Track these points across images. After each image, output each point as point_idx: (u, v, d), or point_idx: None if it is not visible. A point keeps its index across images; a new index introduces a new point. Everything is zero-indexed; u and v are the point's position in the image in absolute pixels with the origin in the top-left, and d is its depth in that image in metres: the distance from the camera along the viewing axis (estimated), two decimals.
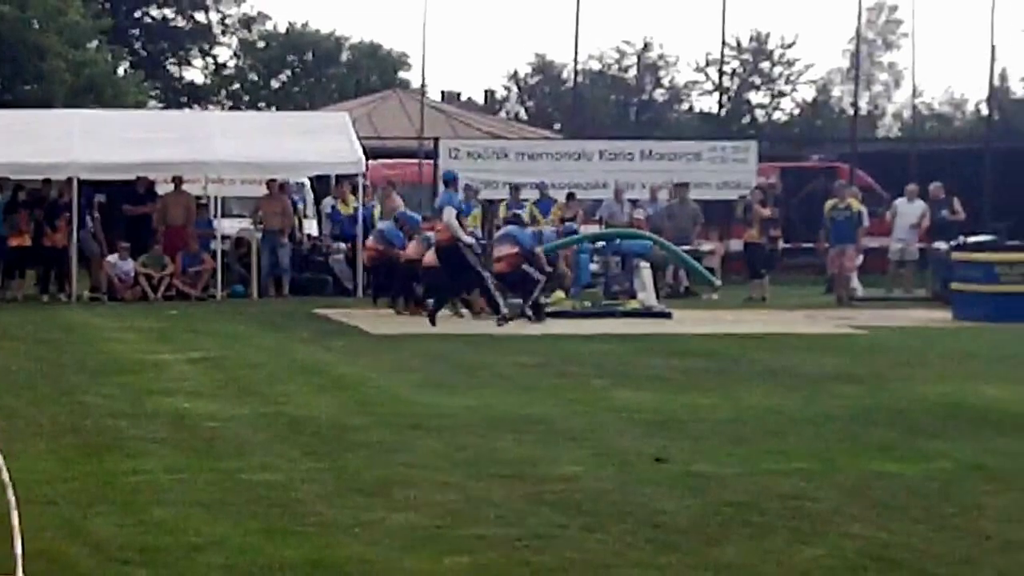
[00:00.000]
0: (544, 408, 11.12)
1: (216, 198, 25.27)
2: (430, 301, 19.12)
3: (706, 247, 26.31)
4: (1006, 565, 6.52)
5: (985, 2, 44.73)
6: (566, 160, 28.17)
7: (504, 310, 18.19)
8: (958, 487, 8.19)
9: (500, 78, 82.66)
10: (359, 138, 25.66)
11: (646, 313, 20.35)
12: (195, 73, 63.01)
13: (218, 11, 61.70)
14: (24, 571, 5.91)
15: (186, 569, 6.35)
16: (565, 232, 22.78)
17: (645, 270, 21.50)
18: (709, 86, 66.36)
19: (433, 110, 38.16)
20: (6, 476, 7.32)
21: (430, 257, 19.41)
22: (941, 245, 23.66)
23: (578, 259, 22.78)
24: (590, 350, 15.73)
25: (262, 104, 60.17)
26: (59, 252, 23.21)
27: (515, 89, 72.10)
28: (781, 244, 26.22)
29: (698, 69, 68.13)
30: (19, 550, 5.98)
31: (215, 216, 24.99)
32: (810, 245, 26.89)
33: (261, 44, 63.95)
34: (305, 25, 64.83)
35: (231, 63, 64.17)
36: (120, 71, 47.40)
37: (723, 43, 37.51)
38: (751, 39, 65.61)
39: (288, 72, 64.02)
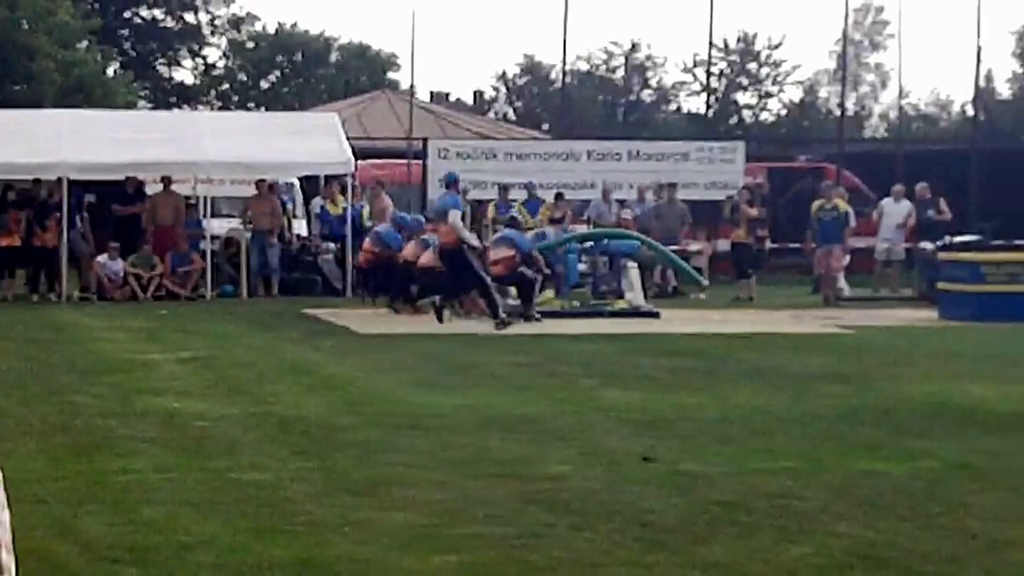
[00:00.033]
0: (533, 408, 11.13)
1: (205, 198, 25.26)
2: (433, 299, 19.21)
3: (694, 247, 26.37)
4: (992, 563, 6.54)
5: (971, 3, 44.84)
6: (554, 160, 28.21)
7: (503, 314, 18.23)
8: (944, 486, 8.21)
9: (489, 79, 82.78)
10: (348, 138, 25.66)
11: (634, 313, 20.40)
12: (184, 73, 63.04)
13: (207, 12, 61.72)
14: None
15: (176, 568, 6.35)
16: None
17: (633, 270, 21.55)
18: (697, 87, 66.54)
19: (422, 110, 38.18)
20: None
21: (426, 258, 19.54)
22: (927, 245, 23.74)
23: (567, 259, 22.80)
24: (579, 350, 15.75)
25: (251, 104, 60.16)
26: (49, 252, 23.21)
27: (503, 90, 72.16)
28: (768, 244, 26.30)
29: (686, 70, 68.32)
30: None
31: (204, 216, 24.99)
32: (797, 245, 26.97)
33: (250, 45, 63.93)
34: (294, 26, 64.85)
35: (220, 63, 64.18)
36: (110, 71, 47.36)
37: (710, 44, 37.58)
38: (738, 40, 65.78)
39: (277, 73, 64.00)
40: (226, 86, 63.59)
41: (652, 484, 8.17)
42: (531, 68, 71.11)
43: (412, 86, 39.15)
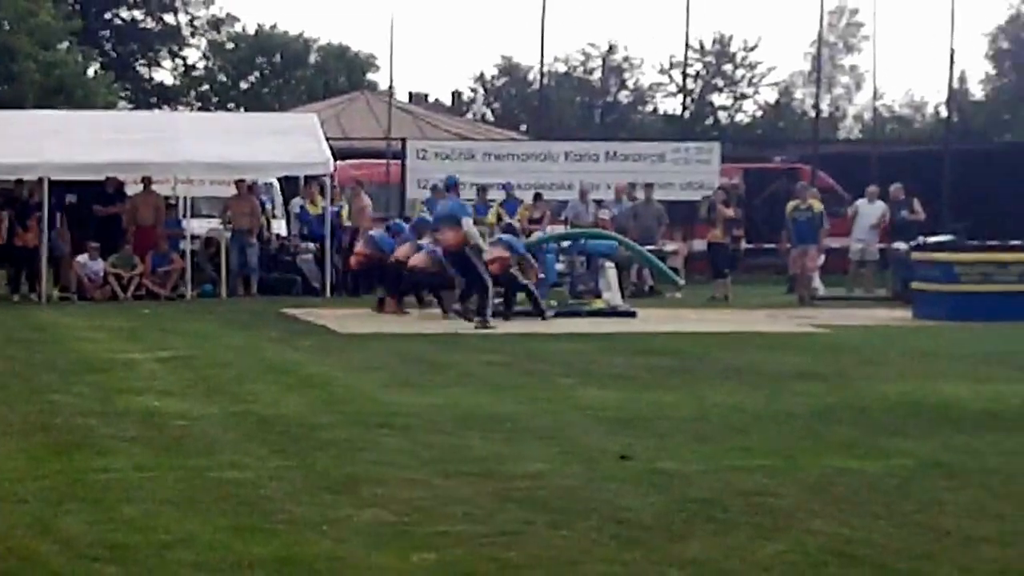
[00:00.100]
0: (511, 406, 11.15)
1: (185, 198, 25.24)
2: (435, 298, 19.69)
3: (670, 247, 26.46)
4: (965, 560, 6.57)
5: (945, 6, 45.04)
6: (532, 161, 28.28)
7: (490, 320, 18.32)
8: (918, 484, 8.25)
9: (467, 80, 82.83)
10: (327, 139, 25.67)
11: (611, 312, 20.46)
12: (164, 74, 63.04)
13: (187, 13, 61.73)
14: None
15: (156, 566, 6.35)
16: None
17: (610, 270, 21.62)
18: (673, 88, 66.73)
19: (400, 111, 38.23)
20: None
21: (416, 259, 19.66)
22: (901, 245, 23.87)
23: (544, 259, 22.88)
24: (556, 349, 15.78)
25: (231, 105, 60.15)
26: (30, 252, 23.17)
27: (482, 91, 72.20)
28: (743, 244, 26.41)
29: (662, 71, 68.71)
30: None
31: (184, 216, 24.99)
32: (772, 245, 27.10)
33: (230, 45, 63.91)
34: (274, 27, 64.87)
35: (200, 64, 64.20)
36: (90, 72, 47.33)
37: (687, 46, 37.84)
38: (714, 42, 65.99)
39: (257, 73, 63.98)
40: (206, 87, 63.57)
41: (629, 482, 8.19)
42: (509, 69, 71.20)
43: (391, 87, 39.13)
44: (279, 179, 28.07)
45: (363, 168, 29.43)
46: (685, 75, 53.77)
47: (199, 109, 58.50)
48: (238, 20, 64.90)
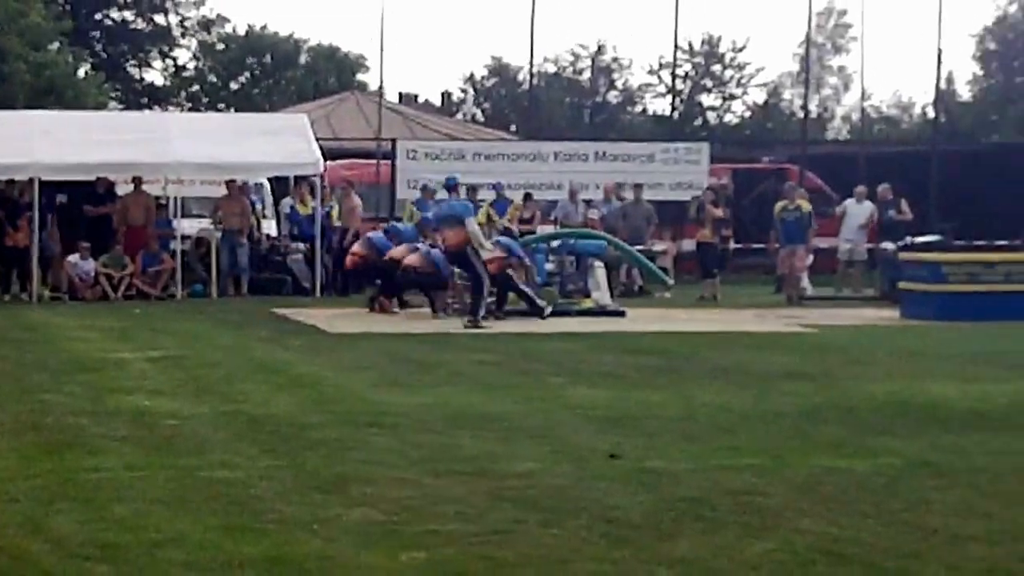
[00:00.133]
0: (501, 406, 11.17)
1: (176, 198, 25.27)
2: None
3: (659, 247, 26.52)
4: (953, 559, 6.58)
5: (932, 7, 45.16)
6: (522, 161, 28.33)
7: (481, 320, 18.38)
8: (906, 483, 8.27)
9: (457, 80, 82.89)
10: (317, 139, 25.71)
11: (600, 312, 20.51)
12: (155, 75, 63.08)
13: (177, 13, 61.74)
14: None
15: (146, 565, 6.35)
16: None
17: (599, 269, 21.67)
18: (662, 89, 66.79)
19: (391, 112, 38.21)
20: None
21: (411, 259, 19.78)
22: (889, 245, 23.94)
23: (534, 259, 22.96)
24: (546, 348, 15.80)
25: (221, 106, 60.14)
26: (21, 252, 23.20)
27: (471, 91, 72.22)
28: (732, 244, 26.47)
29: (651, 72, 68.60)
30: None
31: (175, 216, 25.01)
32: (761, 245, 27.17)
33: (220, 46, 63.92)
34: (264, 28, 64.87)
35: (191, 65, 64.21)
36: (81, 73, 47.30)
37: (675, 46, 38.03)
38: (703, 43, 66.07)
39: (247, 74, 63.97)
40: (196, 87, 63.58)
41: (618, 481, 8.21)
42: (499, 70, 71.23)
43: (381, 87, 39.08)
44: (269, 179, 28.07)
45: (353, 168, 29.45)
46: (674, 76, 53.92)
47: (189, 110, 58.52)
48: (228, 21, 64.99)
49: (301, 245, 25.06)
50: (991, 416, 10.96)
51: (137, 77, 62.04)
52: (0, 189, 23.66)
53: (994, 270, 20.68)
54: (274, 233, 26.87)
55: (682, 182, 28.19)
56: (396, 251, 20.51)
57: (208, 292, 24.00)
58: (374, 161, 29.58)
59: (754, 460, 8.90)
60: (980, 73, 59.93)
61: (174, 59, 63.01)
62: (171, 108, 59.04)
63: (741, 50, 66.41)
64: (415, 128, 38.80)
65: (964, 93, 61.74)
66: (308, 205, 25.14)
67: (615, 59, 70.53)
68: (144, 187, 24.68)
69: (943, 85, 47.70)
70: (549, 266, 22.15)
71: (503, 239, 20.16)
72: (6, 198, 23.51)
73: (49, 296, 23.32)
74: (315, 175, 24.64)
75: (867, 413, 10.99)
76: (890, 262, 23.24)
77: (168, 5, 61.10)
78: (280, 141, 24.97)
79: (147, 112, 51.38)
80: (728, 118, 66.71)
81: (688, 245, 26.79)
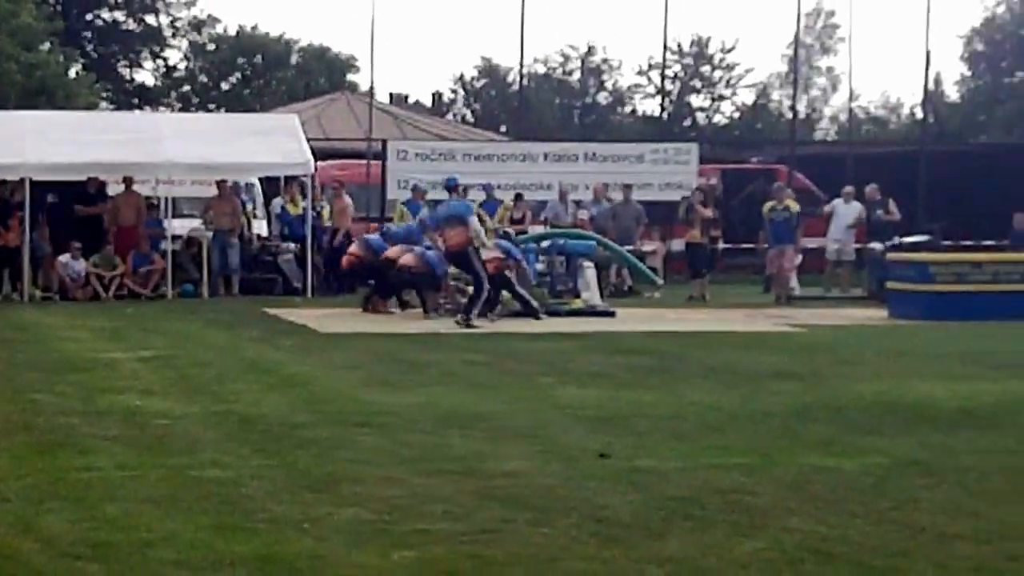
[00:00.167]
0: (491, 405, 11.19)
1: (166, 198, 25.28)
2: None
3: (648, 247, 26.56)
4: (940, 557, 6.62)
5: (920, 8, 45.20)
6: (512, 162, 28.33)
7: (475, 321, 18.43)
8: (894, 482, 8.31)
9: (447, 81, 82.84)
10: (308, 139, 25.72)
11: (590, 312, 20.55)
12: (146, 75, 63.13)
13: (168, 14, 61.78)
14: None
15: (137, 564, 6.36)
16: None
17: (589, 270, 21.71)
18: (651, 89, 66.95)
19: (381, 112, 38.21)
20: None
21: (406, 258, 19.84)
22: (877, 245, 24.01)
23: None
24: (536, 348, 15.83)
25: (212, 106, 60.16)
26: (12, 252, 23.20)
27: (462, 92, 72.25)
28: (721, 244, 26.51)
29: (640, 73, 68.67)
30: None
31: (165, 216, 25.02)
32: (750, 245, 27.22)
33: (211, 47, 63.91)
34: (255, 28, 64.88)
35: (181, 65, 64.23)
36: (72, 73, 47.31)
37: (665, 48, 38.05)
38: (692, 44, 66.18)
39: (238, 74, 63.98)
40: (187, 88, 63.60)
41: (608, 480, 8.23)
42: (489, 71, 71.28)
43: (371, 88, 39.16)
44: (260, 179, 28.07)
45: (344, 169, 29.46)
46: (663, 76, 54.08)
47: (180, 110, 58.51)
48: (219, 21, 65.06)
49: (292, 245, 25.06)
50: (979, 415, 11.00)
51: (128, 77, 62.07)
52: None
53: (981, 270, 20.77)
54: (265, 233, 26.88)
55: (671, 182, 28.22)
56: (392, 251, 20.56)
57: (199, 292, 24.02)
58: (364, 161, 29.57)
59: (743, 459, 8.93)
60: (968, 74, 60.02)
61: (165, 59, 63.08)
62: (162, 108, 59.08)
63: (730, 51, 66.65)
64: (405, 128, 38.81)
65: (952, 94, 61.89)
66: (299, 205, 25.16)
67: (605, 60, 70.72)
68: (135, 187, 24.68)
69: (931, 86, 47.77)
70: (539, 266, 22.19)
71: (502, 242, 20.22)
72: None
73: (40, 296, 23.31)
74: (306, 175, 24.65)
75: (855, 412, 11.02)
76: (878, 262, 23.31)
77: (159, 6, 61.12)
78: (271, 141, 24.97)
79: (138, 112, 51.34)
80: (717, 119, 66.88)
81: (677, 245, 26.82)
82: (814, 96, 68.16)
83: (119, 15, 60.62)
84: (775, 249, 24.31)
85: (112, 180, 24.80)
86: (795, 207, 24.18)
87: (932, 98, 47.48)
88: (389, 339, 16.95)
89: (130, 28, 61.00)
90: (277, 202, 26.21)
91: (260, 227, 27.11)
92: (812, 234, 26.01)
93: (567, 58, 70.38)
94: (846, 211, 25.78)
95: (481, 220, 23.92)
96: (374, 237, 21.86)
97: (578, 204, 26.60)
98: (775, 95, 67.82)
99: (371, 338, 17.06)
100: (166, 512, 7.32)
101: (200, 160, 24.03)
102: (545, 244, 22.19)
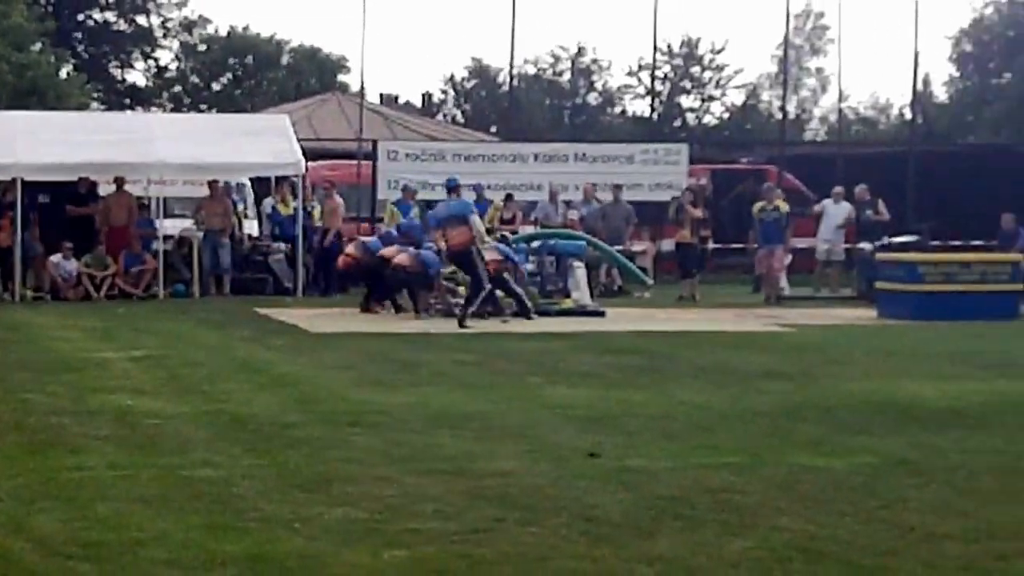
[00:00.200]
0: (481, 405, 11.20)
1: (158, 199, 25.29)
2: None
3: (638, 247, 26.61)
4: (929, 556, 6.63)
5: (909, 10, 45.21)
6: (502, 162, 28.36)
7: (468, 322, 18.50)
8: (883, 481, 8.32)
9: (437, 82, 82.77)
10: (299, 140, 25.74)
11: (580, 312, 20.59)
12: (137, 76, 63.08)
13: (160, 15, 61.72)
14: None
15: (129, 564, 6.37)
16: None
17: (579, 270, 21.75)
18: (641, 90, 66.95)
19: (372, 113, 38.22)
20: None
21: (401, 258, 19.90)
22: (866, 245, 24.07)
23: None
24: (526, 348, 15.85)
25: (203, 106, 60.14)
26: (3, 251, 23.23)
27: (452, 92, 72.26)
28: (711, 244, 26.56)
29: (630, 73, 68.66)
30: None
31: (157, 216, 25.02)
32: (740, 245, 27.28)
33: (202, 47, 63.86)
34: (246, 29, 64.83)
35: (173, 66, 64.15)
36: (63, 73, 47.24)
37: (655, 48, 37.91)
38: (682, 44, 66.20)
39: (229, 75, 63.94)
40: (178, 88, 63.57)
41: (598, 479, 8.25)
42: (479, 71, 71.27)
43: (362, 88, 39.13)
44: (251, 179, 28.08)
45: (335, 169, 29.49)
46: (653, 77, 53.97)
47: (172, 110, 58.42)
48: (210, 22, 64.97)
49: (282, 245, 25.09)
50: (967, 415, 11.03)
51: (119, 78, 62.01)
52: None
53: (970, 270, 20.83)
54: (255, 233, 26.89)
55: (661, 183, 28.26)
56: (387, 250, 20.62)
57: (190, 292, 24.03)
58: (355, 162, 29.60)
59: (733, 458, 8.95)
60: (956, 75, 60.09)
61: (156, 60, 63.04)
62: (153, 109, 59.02)
63: (720, 52, 66.66)
64: (396, 129, 38.82)
65: (940, 95, 61.95)
66: (289, 205, 25.18)
67: (595, 61, 70.72)
68: (126, 187, 24.70)
69: (920, 87, 47.87)
70: (529, 266, 22.23)
71: (500, 246, 20.31)
72: None
73: (32, 296, 23.32)
74: (296, 175, 24.67)
75: (845, 412, 11.04)
76: (867, 262, 23.37)
77: (150, 6, 61.08)
78: (262, 142, 25.00)
79: (129, 113, 51.32)
80: (707, 119, 66.95)
81: (668, 245, 26.87)
82: (804, 97, 68.25)
83: (110, 15, 60.58)
84: (765, 249, 24.37)
85: (103, 180, 24.85)
86: (785, 207, 24.24)
87: (921, 99, 47.59)
88: (380, 339, 16.97)
89: (121, 29, 60.94)
90: (268, 202, 26.23)
91: (251, 227, 27.14)
92: (801, 234, 26.08)
93: (557, 59, 70.45)
94: (835, 211, 25.84)
95: None
96: (371, 239, 21.89)
97: (568, 204, 26.64)
98: (765, 96, 67.93)
99: (362, 338, 17.08)
100: (157, 511, 7.32)
101: (191, 160, 24.06)
102: (535, 244, 22.23)
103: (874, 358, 15.21)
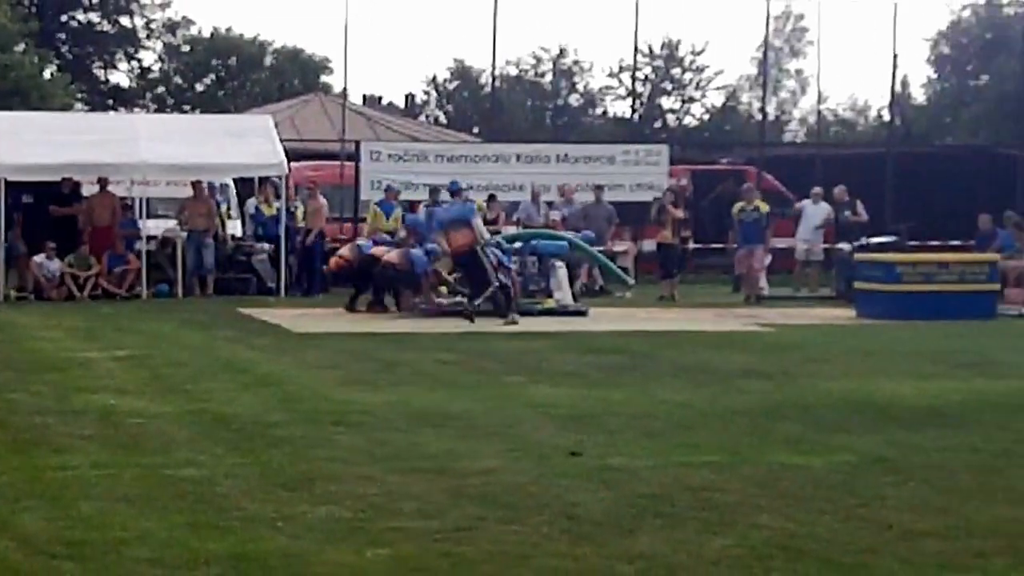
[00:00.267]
0: (463, 404, 11.23)
1: (141, 199, 25.26)
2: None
3: (619, 247, 26.66)
4: (906, 553, 6.66)
5: (887, 12, 45.39)
6: (484, 163, 28.37)
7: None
8: (861, 479, 8.36)
9: (420, 83, 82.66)
10: (282, 140, 25.74)
11: (562, 311, 20.64)
12: (120, 76, 62.92)
13: (143, 16, 61.59)
14: None
15: (112, 563, 6.37)
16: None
17: (561, 270, 21.79)
18: (622, 91, 66.98)
19: (355, 113, 38.19)
20: None
21: (391, 256, 20.02)
22: (845, 246, 24.16)
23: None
24: (508, 347, 15.88)
25: (187, 107, 59.96)
26: None
27: (435, 94, 72.21)
28: (691, 244, 26.63)
29: (612, 75, 68.72)
30: None
31: (140, 217, 24.99)
32: (720, 246, 27.36)
33: (186, 48, 63.73)
34: (229, 30, 64.66)
35: (156, 67, 64.02)
36: (46, 74, 47.12)
37: (636, 50, 38.21)
38: (663, 46, 66.26)
39: (212, 76, 63.81)
40: (162, 89, 63.42)
41: (580, 478, 8.27)
42: (461, 73, 71.23)
43: (345, 89, 39.16)
44: (234, 180, 28.06)
45: (318, 169, 29.48)
46: (634, 79, 54.21)
47: (155, 111, 58.32)
48: (194, 23, 64.81)
49: (266, 245, 25.07)
50: (945, 413, 11.10)
51: (103, 79, 61.87)
52: None
53: (948, 270, 20.94)
54: (239, 233, 26.87)
55: (642, 183, 28.28)
56: (376, 249, 20.67)
57: (173, 292, 24.02)
58: (338, 162, 29.60)
59: (713, 457, 8.99)
60: (934, 77, 60.28)
61: (140, 61, 62.90)
62: (137, 110, 58.90)
63: (700, 53, 66.74)
64: (379, 130, 38.79)
65: (919, 96, 62.09)
66: (272, 206, 25.17)
67: (576, 62, 70.73)
68: (110, 188, 24.66)
69: (898, 88, 47.97)
70: (512, 266, 22.24)
71: (495, 250, 20.38)
72: None
73: (15, 296, 23.28)
74: (279, 176, 24.67)
75: (824, 410, 11.10)
76: (846, 262, 23.47)
77: (134, 7, 60.94)
78: (245, 142, 24.98)
79: (113, 113, 51.20)
80: (687, 120, 67.01)
81: (649, 246, 26.91)
82: (783, 98, 68.35)
83: (94, 16, 60.45)
84: (744, 249, 24.45)
85: (87, 181, 24.78)
86: (765, 208, 24.33)
87: (899, 100, 47.67)
88: (363, 338, 16.98)
89: (105, 29, 60.81)
90: (251, 202, 26.22)
91: (234, 227, 27.11)
92: (781, 234, 26.15)
93: (539, 60, 70.42)
94: (814, 212, 25.93)
95: None
96: (366, 243, 21.93)
97: (550, 205, 26.68)
98: (745, 97, 68.03)
99: (344, 337, 17.10)
100: (140, 510, 7.33)
101: (175, 161, 24.04)
102: (517, 245, 22.27)
103: (853, 357, 15.27)
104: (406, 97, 66.98)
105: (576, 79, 70.77)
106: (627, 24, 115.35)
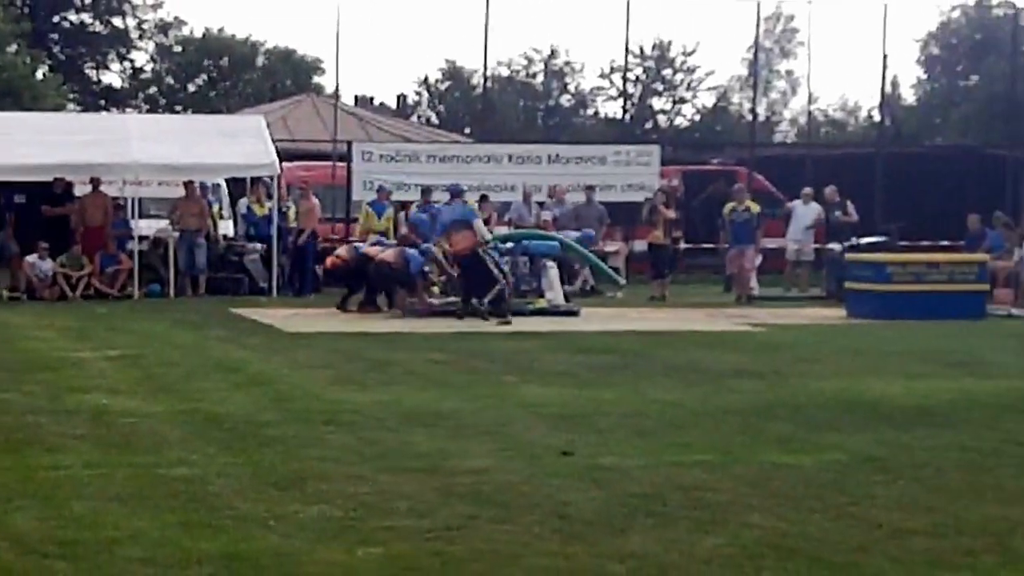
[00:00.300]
0: (455, 403, 11.24)
1: (133, 199, 25.25)
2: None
3: (611, 247, 26.68)
4: (896, 551, 6.68)
5: (878, 13, 45.47)
6: (476, 163, 28.38)
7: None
8: (852, 478, 8.39)
9: (412, 83, 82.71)
10: (274, 141, 25.73)
11: (554, 311, 20.66)
12: (113, 77, 62.85)
13: (135, 16, 61.53)
14: None
15: (105, 562, 6.37)
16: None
17: (552, 270, 21.81)
18: (614, 92, 67.04)
19: (346, 114, 38.19)
20: None
21: (386, 254, 20.04)
22: (835, 246, 24.20)
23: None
24: (499, 347, 15.89)
25: (179, 108, 59.93)
26: None
27: (426, 94, 72.22)
28: (682, 244, 26.65)
29: (603, 76, 68.70)
30: None
31: (132, 217, 25.00)
32: (711, 246, 27.38)
33: (178, 49, 63.69)
34: (221, 30, 64.63)
35: (148, 67, 63.94)
36: (39, 74, 47.08)
37: (627, 51, 37.99)
38: (654, 47, 66.35)
39: (204, 76, 63.77)
40: (154, 89, 63.36)
41: (571, 477, 8.28)
42: (453, 73, 71.22)
43: (336, 90, 39.12)
44: (226, 180, 28.05)
45: (310, 170, 29.48)
46: (625, 79, 54.16)
47: (147, 111, 58.24)
48: (186, 24, 64.78)
49: (258, 245, 25.07)
50: (934, 412, 11.12)
51: (95, 79, 61.81)
52: None
53: (938, 270, 21.00)
54: (231, 233, 26.85)
55: (633, 184, 28.32)
56: (371, 248, 20.68)
57: (165, 292, 24.00)
58: (330, 163, 29.60)
59: (705, 456, 9.01)
60: (924, 77, 60.41)
61: (132, 61, 62.84)
62: (129, 110, 58.81)
63: (691, 54, 66.82)
64: (370, 130, 38.79)
65: (908, 97, 62.23)
66: (264, 206, 25.17)
67: (567, 63, 70.76)
68: (102, 188, 24.66)
69: (888, 89, 48.01)
70: (504, 267, 22.27)
71: (494, 254, 20.43)
72: None
73: (7, 296, 23.26)
74: (271, 176, 24.68)
75: (814, 410, 11.12)
76: (836, 262, 23.51)
77: (126, 8, 60.89)
78: (237, 143, 24.99)
79: (105, 114, 51.10)
80: (678, 121, 67.08)
81: (640, 246, 26.93)
82: (773, 99, 68.43)
83: (86, 17, 60.41)
84: (735, 249, 24.49)
85: (79, 181, 24.79)
86: (755, 208, 24.37)
87: (889, 101, 47.72)
88: (354, 338, 16.99)
89: (97, 30, 60.75)
90: (243, 202, 26.21)
91: (226, 227, 27.09)
92: (771, 235, 26.19)
93: (531, 61, 70.47)
94: (805, 212, 25.97)
95: None
96: (363, 244, 21.94)
97: (541, 205, 26.70)
98: (735, 98, 68.12)
99: (336, 337, 17.10)
100: (133, 510, 7.34)
101: (167, 161, 24.04)
102: (509, 245, 22.28)
103: (843, 357, 15.30)
104: (398, 98, 67.04)
105: (567, 80, 70.86)
106: (618, 25, 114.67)
